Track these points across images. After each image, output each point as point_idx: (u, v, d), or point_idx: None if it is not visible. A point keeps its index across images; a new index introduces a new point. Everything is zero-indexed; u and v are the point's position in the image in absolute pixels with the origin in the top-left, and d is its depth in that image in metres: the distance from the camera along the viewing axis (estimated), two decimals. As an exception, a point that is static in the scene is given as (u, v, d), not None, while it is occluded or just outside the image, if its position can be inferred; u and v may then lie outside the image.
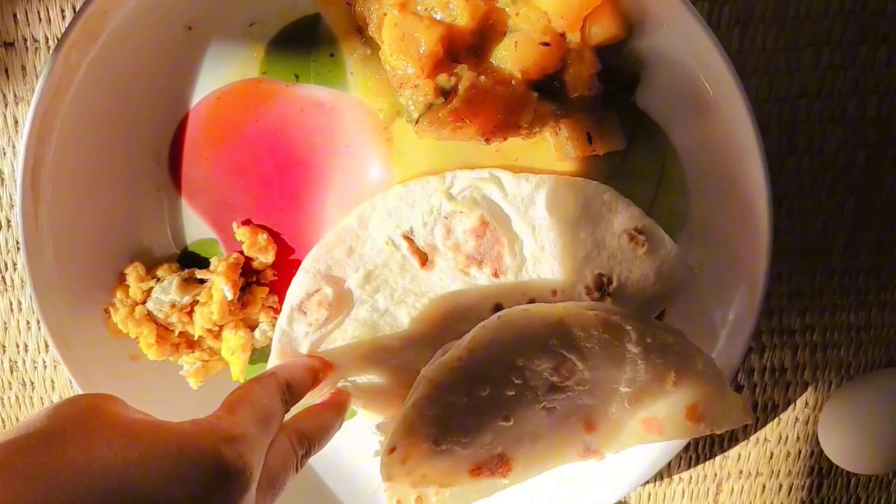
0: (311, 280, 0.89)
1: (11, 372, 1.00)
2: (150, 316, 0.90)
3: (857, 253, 0.96)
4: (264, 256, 0.91)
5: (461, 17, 0.80)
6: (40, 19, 0.90)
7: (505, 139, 0.84)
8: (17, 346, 0.99)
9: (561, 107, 0.85)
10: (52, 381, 1.01)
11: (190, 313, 0.90)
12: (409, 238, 0.88)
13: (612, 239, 0.88)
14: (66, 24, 0.88)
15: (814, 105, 0.92)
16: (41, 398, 1.01)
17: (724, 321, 0.90)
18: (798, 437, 1.03)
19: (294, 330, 0.90)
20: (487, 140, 0.83)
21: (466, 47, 0.82)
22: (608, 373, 0.88)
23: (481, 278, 0.89)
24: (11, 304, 0.98)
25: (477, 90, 0.80)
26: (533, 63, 0.81)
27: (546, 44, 0.81)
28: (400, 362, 0.92)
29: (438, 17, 0.81)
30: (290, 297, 0.89)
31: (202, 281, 0.91)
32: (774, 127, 0.93)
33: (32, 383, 1.01)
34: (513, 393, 0.89)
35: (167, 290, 0.89)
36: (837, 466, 1.02)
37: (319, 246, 0.89)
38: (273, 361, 0.91)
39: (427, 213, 0.88)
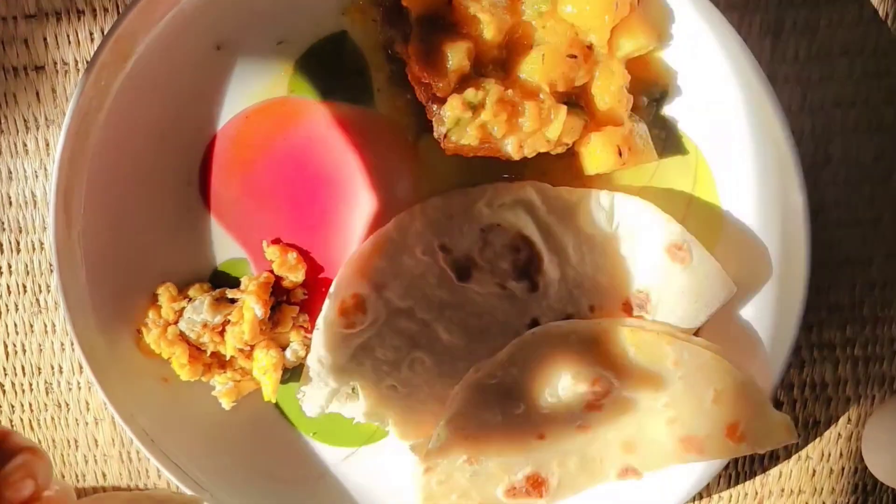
0: (351, 283, 0.89)
1: (47, 393, 1.01)
2: (182, 336, 0.90)
3: (897, 264, 0.95)
4: (294, 275, 0.91)
5: (487, 31, 0.79)
6: (69, 42, 0.91)
7: (533, 153, 0.83)
8: (52, 368, 1.00)
9: (590, 119, 0.84)
10: (87, 403, 1.01)
11: (221, 333, 0.90)
12: (446, 250, 0.88)
13: (652, 255, 0.87)
14: (96, 47, 0.89)
15: (849, 114, 0.91)
16: (76, 419, 1.01)
17: (763, 336, 0.88)
18: (841, 454, 1.00)
19: (332, 330, 0.90)
20: (516, 154, 0.82)
21: (493, 61, 0.82)
22: (646, 390, 0.87)
23: (518, 292, 0.88)
24: (46, 326, 0.99)
25: (504, 104, 0.79)
26: (560, 75, 0.81)
27: (573, 56, 0.81)
28: (434, 378, 0.91)
29: (465, 32, 0.80)
30: (330, 297, 0.89)
31: (233, 300, 0.91)
32: (809, 137, 0.91)
33: (67, 404, 1.01)
34: (548, 411, 0.88)
35: (199, 310, 0.89)
36: (882, 483, 0.99)
37: (359, 251, 0.90)
38: (312, 358, 0.90)
39: (465, 225, 0.88)
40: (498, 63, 0.82)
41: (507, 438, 0.88)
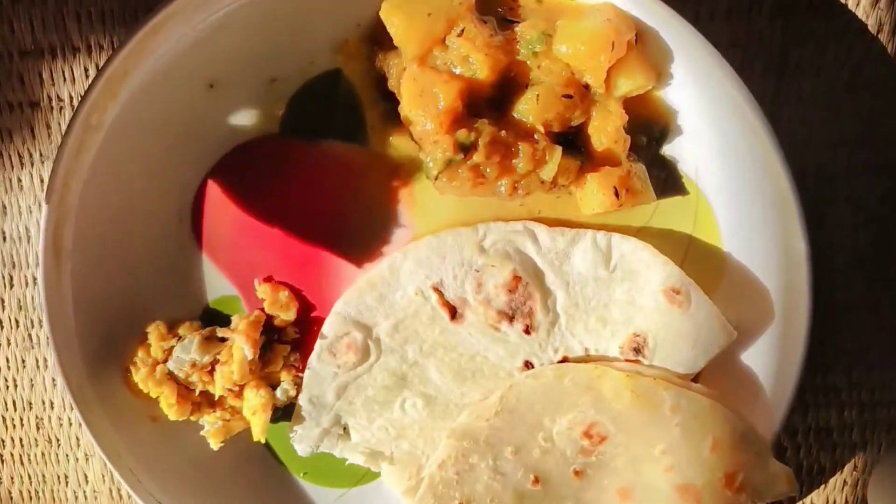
0: (342, 323, 0.88)
1: (38, 429, 1.00)
2: (170, 375, 0.89)
3: (906, 308, 0.92)
4: (286, 314, 0.90)
5: (481, 70, 0.78)
6: (65, 79, 0.91)
7: (528, 194, 0.81)
8: (43, 404, 0.99)
9: (587, 160, 0.82)
10: (78, 439, 1.00)
11: (211, 372, 0.89)
12: (438, 290, 0.87)
13: (649, 298, 0.85)
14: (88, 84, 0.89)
15: (855, 154, 0.89)
16: (66, 455, 1.00)
17: (765, 380, 0.86)
18: (846, 502, 0.97)
19: (323, 370, 0.89)
20: (510, 195, 0.81)
21: (487, 101, 0.81)
22: (642, 436, 0.85)
23: (512, 334, 0.87)
24: (38, 361, 0.98)
25: (498, 145, 0.78)
26: (556, 116, 0.79)
27: (569, 96, 0.79)
28: (425, 420, 0.90)
29: (458, 71, 0.79)
30: (321, 337, 0.88)
31: (223, 339, 0.89)
32: (812, 176, 0.89)
33: (58, 440, 1.00)
34: (542, 456, 0.86)
35: (188, 349, 0.88)
36: (889, 533, 0.96)
37: (351, 290, 0.88)
38: (304, 398, 0.90)
39: (458, 265, 0.86)
40: (492, 103, 0.81)
41: (498, 483, 0.87)
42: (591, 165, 0.82)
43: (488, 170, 0.79)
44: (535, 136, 0.79)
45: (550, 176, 0.79)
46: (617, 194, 0.81)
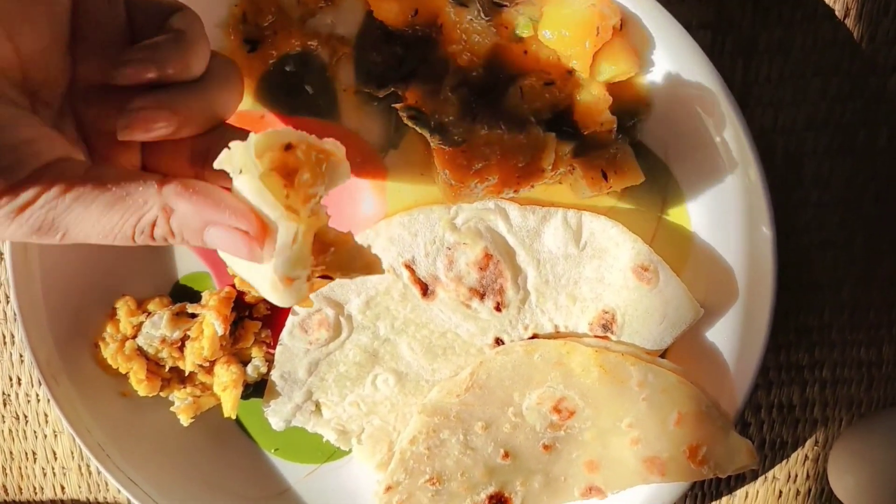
0: (314, 299, 0.88)
1: (5, 405, 0.99)
2: (140, 351, 0.88)
3: (868, 288, 0.93)
4: (256, 290, 0.89)
5: (460, 58, 0.78)
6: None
7: (532, 187, 0.81)
8: (10, 379, 0.98)
9: (578, 145, 0.82)
10: (46, 415, 0.99)
11: (181, 348, 0.89)
12: (410, 267, 0.87)
13: (618, 275, 0.86)
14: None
15: (821, 136, 0.90)
16: (34, 431, 1.00)
17: (729, 357, 0.88)
18: (808, 476, 0.99)
19: (294, 346, 0.89)
20: (515, 190, 0.80)
21: (478, 95, 0.80)
22: (609, 410, 0.86)
23: (483, 311, 0.87)
24: (4, 336, 0.97)
25: (494, 146, 0.78)
26: (543, 104, 0.79)
27: (551, 83, 0.79)
28: (396, 396, 0.90)
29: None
30: (292, 313, 0.88)
31: (193, 315, 0.89)
32: (780, 159, 0.90)
33: (26, 416, 0.99)
34: (512, 431, 0.87)
35: (157, 325, 0.87)
36: (847, 506, 0.98)
37: None
38: (276, 374, 0.90)
39: (429, 242, 0.86)
40: (482, 93, 0.80)
41: (469, 458, 0.88)
42: (582, 150, 0.82)
43: (490, 178, 0.79)
44: (529, 127, 0.79)
45: (550, 163, 0.79)
46: (605, 177, 0.81)
